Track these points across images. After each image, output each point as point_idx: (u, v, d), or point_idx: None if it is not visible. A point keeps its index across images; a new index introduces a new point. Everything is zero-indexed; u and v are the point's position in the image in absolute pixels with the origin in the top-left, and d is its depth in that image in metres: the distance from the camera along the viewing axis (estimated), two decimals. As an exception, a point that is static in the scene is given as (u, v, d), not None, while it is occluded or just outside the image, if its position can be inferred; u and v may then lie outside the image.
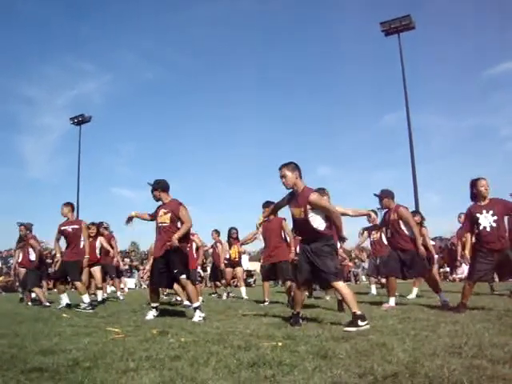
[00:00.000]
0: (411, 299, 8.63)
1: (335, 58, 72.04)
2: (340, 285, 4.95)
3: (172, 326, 5.07)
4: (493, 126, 68.56)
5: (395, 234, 7.07)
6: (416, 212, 10.29)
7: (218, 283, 13.20)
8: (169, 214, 6.17)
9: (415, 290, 9.26)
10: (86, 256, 8.20)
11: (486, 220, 5.97)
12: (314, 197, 4.93)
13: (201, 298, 8.20)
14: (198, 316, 5.82)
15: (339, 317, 5.65)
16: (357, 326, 4.51)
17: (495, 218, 5.95)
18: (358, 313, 4.66)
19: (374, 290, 10.96)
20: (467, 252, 6.33)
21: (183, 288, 6.37)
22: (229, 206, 75.39)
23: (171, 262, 6.05)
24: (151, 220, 6.45)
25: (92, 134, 60.40)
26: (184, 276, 6.05)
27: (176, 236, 5.94)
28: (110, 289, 13.54)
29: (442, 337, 3.90)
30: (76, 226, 8.26)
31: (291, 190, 5.17)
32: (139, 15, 76.03)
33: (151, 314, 6.20)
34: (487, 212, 5.99)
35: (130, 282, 20.01)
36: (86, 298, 7.98)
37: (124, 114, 76.16)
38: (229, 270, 11.61)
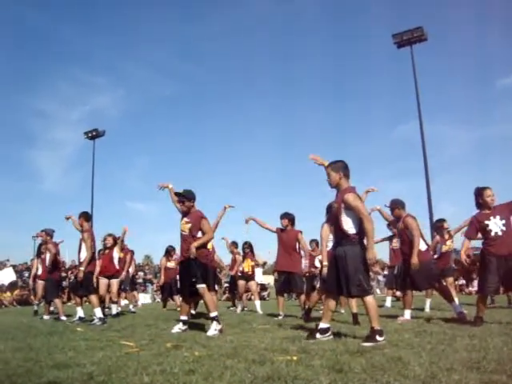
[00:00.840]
0: (427, 312, 8.53)
1: (349, 69, 72.19)
2: (367, 298, 4.81)
3: (186, 340, 5.05)
4: (507, 135, 67.94)
5: (404, 243, 7.09)
6: (442, 220, 10.16)
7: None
8: (189, 225, 6.22)
9: (428, 302, 9.16)
10: (81, 268, 8.00)
11: (496, 226, 6.02)
12: (349, 195, 4.82)
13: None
14: (213, 328, 5.79)
15: (354, 330, 5.60)
16: (375, 340, 4.44)
17: (504, 221, 6.01)
18: (378, 328, 4.59)
19: (388, 302, 10.81)
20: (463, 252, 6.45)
21: (201, 297, 6.27)
22: (241, 219, 75.50)
23: (191, 270, 6.08)
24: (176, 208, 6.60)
25: (106, 148, 60.76)
26: (203, 285, 6.03)
27: (195, 244, 6.01)
28: (123, 302, 13.57)
29: (459, 351, 3.84)
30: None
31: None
32: (151, 28, 76.92)
33: (177, 328, 6.16)
34: (494, 218, 6.06)
35: (145, 297, 20.01)
36: (99, 313, 7.93)
37: (137, 127, 76.87)
38: (242, 282, 11.54)
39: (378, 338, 4.47)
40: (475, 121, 65.34)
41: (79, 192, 72.73)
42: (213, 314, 5.94)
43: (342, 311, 9.52)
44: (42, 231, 9.95)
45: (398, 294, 12.42)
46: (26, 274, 20.56)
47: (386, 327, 5.81)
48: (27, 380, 3.14)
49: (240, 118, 79.73)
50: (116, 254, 10.22)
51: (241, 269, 11.79)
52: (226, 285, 19.57)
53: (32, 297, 17.82)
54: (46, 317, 9.73)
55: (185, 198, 6.34)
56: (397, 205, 7.15)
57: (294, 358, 3.67)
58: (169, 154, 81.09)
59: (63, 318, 9.01)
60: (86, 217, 8.38)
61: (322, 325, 4.98)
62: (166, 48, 75.56)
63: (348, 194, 4.83)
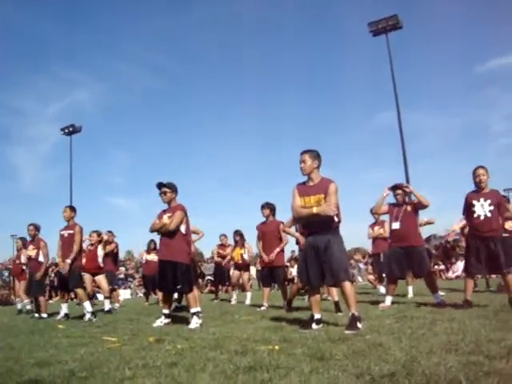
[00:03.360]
0: (410, 298, 8.63)
1: (324, 59, 72.13)
2: (348, 284, 4.82)
3: (168, 334, 5.05)
4: (484, 122, 68.93)
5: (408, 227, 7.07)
6: None
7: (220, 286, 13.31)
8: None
9: (411, 288, 9.26)
10: (68, 260, 7.84)
11: (482, 209, 6.02)
12: (334, 185, 4.86)
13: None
14: (194, 322, 5.78)
15: (335, 318, 5.65)
16: (356, 327, 4.48)
17: (492, 208, 5.99)
18: (357, 314, 4.64)
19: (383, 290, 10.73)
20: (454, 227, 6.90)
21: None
22: (225, 211, 75.18)
23: (176, 275, 5.98)
24: None
25: (83, 143, 60.05)
26: (188, 289, 6.02)
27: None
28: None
29: (438, 334, 3.91)
30: (71, 231, 8.06)
31: (299, 182, 5.09)
32: (130, 22, 75.96)
33: (159, 321, 6.15)
34: (485, 200, 6.05)
35: (125, 293, 19.92)
36: (89, 307, 7.86)
37: (115, 122, 75.93)
38: (236, 272, 11.41)
39: (358, 324, 4.52)
40: (453, 108, 66.09)
41: (57, 189, 71.60)
42: (193, 310, 5.92)
43: (330, 298, 9.67)
44: (30, 225, 9.74)
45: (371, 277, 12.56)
46: (6, 274, 20.30)
47: (368, 313, 5.89)
48: (8, 379, 3.11)
49: (219, 111, 79.40)
50: (100, 251, 10.11)
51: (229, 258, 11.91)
52: (209, 277, 19.60)
53: (13, 296, 17.65)
54: (44, 315, 9.35)
55: (167, 188, 6.23)
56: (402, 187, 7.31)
57: (276, 347, 3.68)
58: (148, 148, 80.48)
59: (44, 315, 8.89)
60: (75, 210, 8.33)
61: (317, 316, 4.99)
62: (145, 42, 74.68)
63: (333, 184, 4.86)
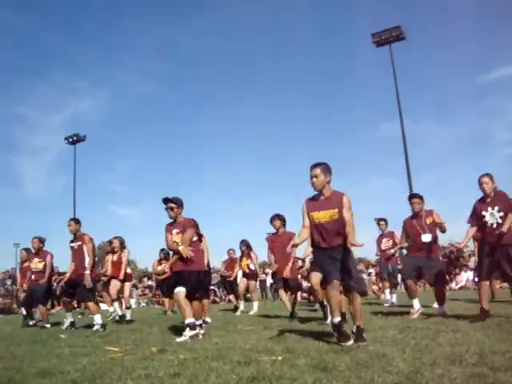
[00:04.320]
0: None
1: (329, 69, 72.27)
2: (358, 297, 4.75)
3: (171, 344, 5.03)
4: (489, 131, 68.86)
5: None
6: None
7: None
8: (181, 235, 6.02)
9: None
10: (87, 272, 7.76)
11: (493, 217, 5.88)
12: (347, 198, 4.71)
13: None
14: (185, 335, 5.52)
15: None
16: (364, 339, 4.38)
17: (502, 214, 5.83)
18: (362, 326, 4.56)
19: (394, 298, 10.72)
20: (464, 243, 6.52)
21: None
22: (228, 220, 75.10)
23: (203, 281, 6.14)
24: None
25: (87, 152, 60.39)
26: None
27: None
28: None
29: (442, 345, 3.89)
30: (79, 243, 7.98)
31: (309, 197, 4.90)
32: (133, 31, 76.35)
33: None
34: (492, 208, 5.91)
35: (131, 302, 19.84)
36: (98, 319, 7.74)
37: (118, 131, 76.01)
38: (243, 281, 11.37)
39: (364, 335, 4.49)
40: (457, 117, 65.87)
41: (61, 197, 72.01)
42: (187, 321, 5.64)
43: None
44: (35, 238, 9.74)
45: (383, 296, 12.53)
46: (9, 282, 20.30)
47: (371, 324, 5.86)
48: (10, 389, 3.11)
49: (224, 119, 79.45)
50: (124, 258, 9.87)
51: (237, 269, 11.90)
52: (212, 287, 19.56)
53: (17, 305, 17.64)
54: (47, 325, 9.11)
55: (173, 204, 6.11)
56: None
57: (279, 357, 3.67)
58: (151, 157, 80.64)
59: (47, 325, 8.87)
60: (80, 222, 8.25)
61: (336, 319, 4.71)
62: (148, 50, 74.99)
63: (346, 196, 4.73)
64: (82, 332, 7.40)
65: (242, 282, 11.49)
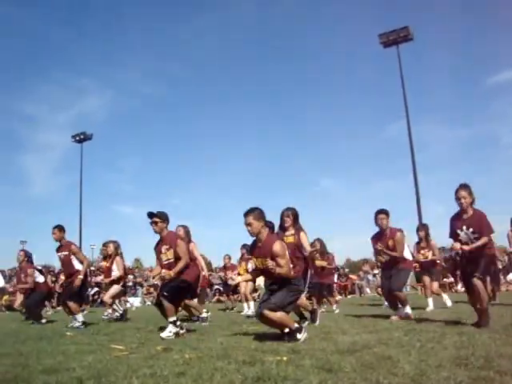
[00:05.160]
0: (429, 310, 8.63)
1: (335, 70, 72.30)
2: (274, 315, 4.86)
3: (176, 343, 5.04)
4: (495, 133, 68.64)
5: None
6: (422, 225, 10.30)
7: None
8: (171, 250, 6.06)
9: (431, 301, 9.17)
10: (80, 276, 7.88)
11: (467, 237, 5.48)
12: (277, 247, 4.88)
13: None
14: (168, 331, 5.68)
15: (344, 330, 5.62)
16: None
17: (476, 235, 5.42)
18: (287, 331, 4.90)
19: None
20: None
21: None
22: (233, 221, 75.06)
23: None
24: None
25: (94, 151, 60.60)
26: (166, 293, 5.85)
27: (172, 272, 5.86)
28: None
29: (448, 348, 3.87)
30: (66, 253, 8.03)
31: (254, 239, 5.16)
32: (140, 30, 76.61)
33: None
34: (467, 229, 5.48)
35: (136, 301, 19.90)
36: (80, 317, 7.95)
37: (125, 130, 76.42)
38: (243, 283, 11.33)
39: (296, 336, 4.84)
40: (463, 119, 65.88)
41: (67, 196, 72.25)
42: (170, 319, 5.81)
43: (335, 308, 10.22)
44: (22, 251, 9.87)
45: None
46: (15, 280, 20.33)
47: (376, 326, 5.86)
48: (16, 385, 3.12)
49: (229, 118, 79.69)
50: (115, 266, 9.82)
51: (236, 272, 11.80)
52: (217, 287, 19.59)
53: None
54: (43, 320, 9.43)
55: (157, 218, 6.10)
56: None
57: (284, 358, 3.67)
58: (157, 156, 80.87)
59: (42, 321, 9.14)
60: (64, 230, 8.26)
61: None
62: (154, 49, 75.21)
63: (276, 245, 4.89)
64: (87, 330, 7.42)
65: (241, 283, 11.49)
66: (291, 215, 6.76)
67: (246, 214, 4.99)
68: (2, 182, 66.30)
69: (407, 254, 7.38)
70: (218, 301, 19.09)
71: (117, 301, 9.88)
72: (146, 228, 6.65)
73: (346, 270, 23.46)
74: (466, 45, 66.47)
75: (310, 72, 72.69)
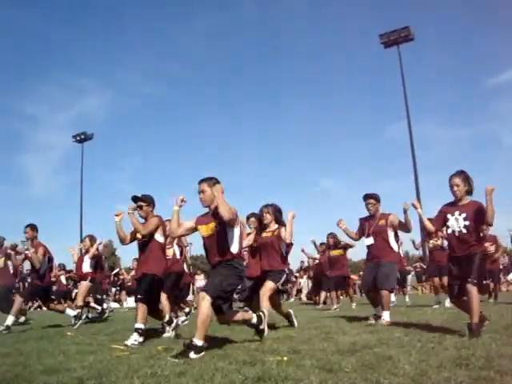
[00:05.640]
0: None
1: (336, 70, 72.33)
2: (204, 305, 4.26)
3: (177, 343, 5.03)
4: (496, 134, 68.66)
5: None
6: None
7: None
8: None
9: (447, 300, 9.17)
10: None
11: (456, 223, 5.01)
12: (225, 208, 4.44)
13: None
14: (133, 339, 5.19)
15: (345, 330, 5.61)
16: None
17: (467, 222, 4.94)
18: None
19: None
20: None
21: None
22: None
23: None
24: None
25: (94, 151, 60.63)
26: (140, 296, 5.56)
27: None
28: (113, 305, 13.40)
29: (448, 348, 3.87)
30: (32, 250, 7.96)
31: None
32: (140, 30, 76.67)
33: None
34: (459, 214, 5.00)
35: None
36: (71, 312, 8.10)
37: (126, 130, 76.54)
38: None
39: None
40: (464, 120, 65.86)
41: (68, 196, 72.27)
42: (138, 326, 5.33)
43: (335, 307, 10.54)
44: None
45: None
46: (16, 280, 20.32)
47: (376, 325, 5.86)
48: (16, 385, 3.13)
49: (229, 118, 79.70)
50: (87, 258, 9.59)
51: None
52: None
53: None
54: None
55: (143, 202, 5.85)
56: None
57: (285, 358, 3.67)
58: (158, 155, 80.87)
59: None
60: (37, 229, 8.20)
61: None
62: (154, 49, 75.31)
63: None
64: (87, 330, 7.42)
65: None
66: (271, 211, 6.41)
67: (200, 181, 4.67)
68: (2, 182, 66.56)
69: (394, 244, 6.81)
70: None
71: (91, 298, 9.84)
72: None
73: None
74: (467, 45, 66.51)
75: (311, 72, 72.80)
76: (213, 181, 4.65)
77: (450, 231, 5.11)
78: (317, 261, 13.04)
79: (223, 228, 4.55)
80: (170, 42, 74.97)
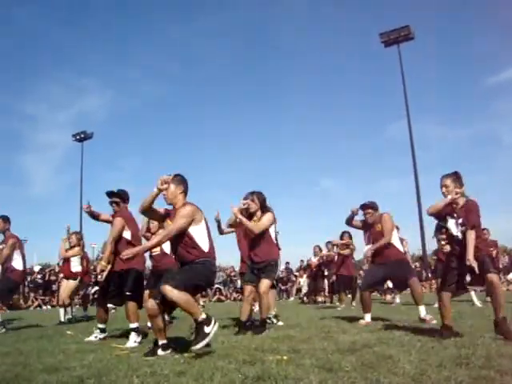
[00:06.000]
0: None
1: (336, 69, 72.17)
2: (176, 294, 4.05)
3: (177, 342, 5.03)
4: (496, 133, 68.60)
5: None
6: None
7: None
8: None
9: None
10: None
11: (455, 228, 4.83)
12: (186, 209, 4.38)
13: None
14: (133, 340, 5.22)
15: (345, 329, 5.62)
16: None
17: (463, 228, 4.74)
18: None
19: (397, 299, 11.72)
20: None
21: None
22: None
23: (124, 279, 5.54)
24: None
25: (94, 150, 60.56)
26: (129, 293, 5.50)
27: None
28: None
29: (448, 348, 3.87)
30: (5, 245, 7.60)
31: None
32: (140, 29, 76.53)
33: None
34: (458, 218, 4.82)
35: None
36: None
37: (126, 129, 76.14)
38: None
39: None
40: (464, 119, 65.70)
41: (68, 195, 72.25)
42: (133, 325, 5.38)
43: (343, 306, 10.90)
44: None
45: (389, 298, 12.63)
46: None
47: (377, 325, 5.86)
48: (16, 384, 3.13)
49: (229, 118, 79.50)
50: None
51: None
52: (217, 286, 19.59)
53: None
54: None
55: (118, 198, 5.80)
56: None
57: (285, 357, 3.67)
58: (159, 155, 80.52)
59: None
60: (9, 221, 7.82)
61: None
62: (154, 49, 75.13)
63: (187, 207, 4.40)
64: (87, 329, 7.42)
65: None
66: (256, 199, 6.01)
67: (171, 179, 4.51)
68: (2, 182, 66.37)
69: (397, 242, 6.81)
70: (219, 300, 19.12)
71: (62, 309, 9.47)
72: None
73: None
74: (467, 44, 66.47)
75: (310, 71, 72.54)
76: (177, 178, 4.55)
77: (450, 233, 4.95)
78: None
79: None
80: (170, 41, 74.69)
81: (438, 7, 63.47)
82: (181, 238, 4.35)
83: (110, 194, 5.80)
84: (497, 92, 62.52)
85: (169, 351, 4.27)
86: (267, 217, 5.93)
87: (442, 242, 9.66)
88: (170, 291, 4.02)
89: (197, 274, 4.32)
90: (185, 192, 4.54)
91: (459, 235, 4.78)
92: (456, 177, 4.88)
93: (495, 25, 63.79)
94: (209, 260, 4.42)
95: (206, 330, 4.12)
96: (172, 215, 4.51)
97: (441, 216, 4.98)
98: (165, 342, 4.31)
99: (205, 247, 4.40)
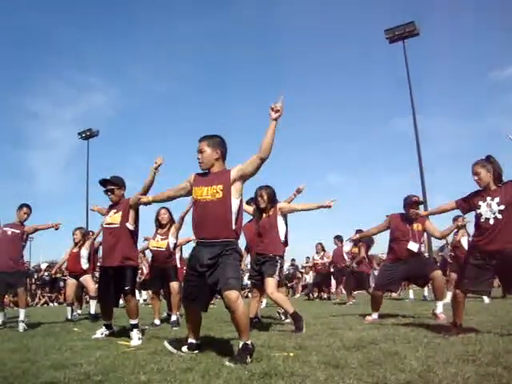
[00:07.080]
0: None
1: (340, 65, 71.91)
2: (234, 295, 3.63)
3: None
4: (503, 128, 68.23)
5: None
6: None
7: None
8: (119, 213, 5.36)
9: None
10: None
11: (489, 211, 4.46)
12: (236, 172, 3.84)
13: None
14: (136, 338, 5.10)
15: (351, 326, 5.61)
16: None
17: (503, 207, 4.39)
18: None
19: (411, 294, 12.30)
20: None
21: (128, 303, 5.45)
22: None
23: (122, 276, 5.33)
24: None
25: (100, 148, 60.59)
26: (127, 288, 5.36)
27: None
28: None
29: (455, 344, 3.86)
30: (17, 231, 7.47)
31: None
32: (146, 27, 76.46)
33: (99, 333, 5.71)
34: (492, 199, 4.47)
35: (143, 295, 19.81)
36: None
37: (131, 127, 76.06)
38: None
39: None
40: (470, 114, 65.32)
41: (74, 193, 72.36)
42: (133, 322, 5.28)
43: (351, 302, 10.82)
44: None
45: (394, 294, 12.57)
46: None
47: (382, 322, 5.85)
48: (24, 381, 3.13)
49: (236, 116, 79.38)
50: (85, 251, 9.39)
51: None
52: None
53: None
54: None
55: (113, 185, 5.47)
56: None
57: (291, 354, 3.67)
58: (164, 153, 79.86)
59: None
60: None
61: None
62: (161, 47, 75.01)
63: (235, 169, 3.87)
64: (94, 325, 7.44)
65: None
66: (264, 194, 5.85)
67: (201, 139, 3.97)
68: (9, 180, 66.55)
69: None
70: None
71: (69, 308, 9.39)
72: (152, 225, 6.57)
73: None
74: (474, 39, 66.00)
75: (315, 68, 72.27)
76: (216, 139, 3.97)
77: (482, 220, 4.52)
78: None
79: (229, 194, 3.81)
80: (178, 39, 74.56)
81: (443, 2, 63.02)
82: (222, 205, 3.81)
83: (104, 182, 5.48)
84: (504, 87, 62.12)
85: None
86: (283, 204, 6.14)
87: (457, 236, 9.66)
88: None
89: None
90: (223, 157, 3.99)
91: (498, 216, 4.41)
92: (489, 164, 4.58)
93: (502, 19, 63.38)
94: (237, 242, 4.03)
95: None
96: (209, 177, 3.92)
97: (473, 206, 4.63)
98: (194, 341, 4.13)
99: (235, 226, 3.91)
